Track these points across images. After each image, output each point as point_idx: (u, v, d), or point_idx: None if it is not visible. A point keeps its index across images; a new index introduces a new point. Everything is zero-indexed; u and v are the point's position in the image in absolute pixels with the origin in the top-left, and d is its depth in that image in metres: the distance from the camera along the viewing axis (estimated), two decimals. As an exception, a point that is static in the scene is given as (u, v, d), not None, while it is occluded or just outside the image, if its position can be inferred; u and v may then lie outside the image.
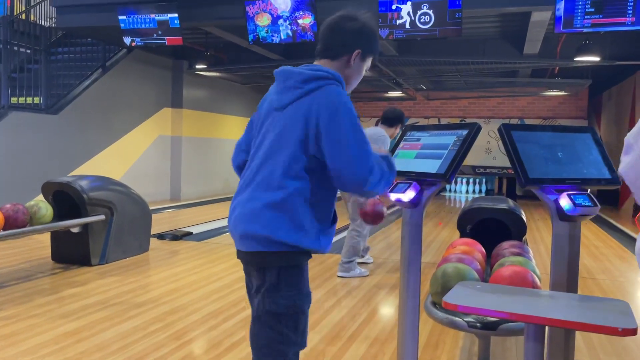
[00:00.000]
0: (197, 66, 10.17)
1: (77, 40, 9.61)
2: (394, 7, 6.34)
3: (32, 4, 9.84)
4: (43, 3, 9.85)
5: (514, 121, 13.81)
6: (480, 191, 14.92)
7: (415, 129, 2.62)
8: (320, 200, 1.76)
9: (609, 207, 11.42)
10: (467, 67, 9.79)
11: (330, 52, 1.85)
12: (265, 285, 1.75)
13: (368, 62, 1.92)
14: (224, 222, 8.09)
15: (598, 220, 9.46)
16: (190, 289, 4.48)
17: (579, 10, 5.67)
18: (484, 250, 3.10)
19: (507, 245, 3.08)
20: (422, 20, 6.29)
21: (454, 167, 2.17)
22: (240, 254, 1.83)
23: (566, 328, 1.92)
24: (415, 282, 2.33)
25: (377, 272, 5.22)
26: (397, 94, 13.44)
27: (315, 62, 1.87)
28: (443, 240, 7.12)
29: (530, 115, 13.98)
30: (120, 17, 7.66)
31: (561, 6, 5.73)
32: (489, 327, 2.23)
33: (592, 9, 5.63)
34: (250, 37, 7.17)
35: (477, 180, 14.89)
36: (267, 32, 7.05)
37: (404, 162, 2.45)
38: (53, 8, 8.93)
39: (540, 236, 7.77)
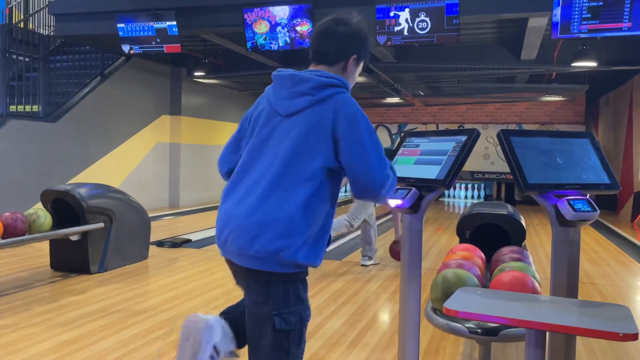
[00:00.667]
0: (196, 73, 10.19)
1: (75, 48, 9.63)
2: (391, 14, 6.37)
3: (31, 12, 9.87)
4: (41, 11, 9.88)
5: (512, 126, 13.84)
6: (479, 197, 14.93)
7: (414, 135, 2.63)
8: (328, 215, 1.74)
9: (607, 211, 11.43)
10: (464, 73, 9.82)
11: (328, 58, 1.83)
12: (270, 301, 1.67)
13: (360, 67, 1.92)
14: (223, 229, 8.06)
15: (597, 225, 9.47)
16: (189, 296, 4.47)
17: (576, 16, 5.70)
18: (483, 255, 3.10)
19: (506, 251, 3.08)
20: (419, 27, 6.32)
21: (454, 173, 2.18)
22: (238, 268, 1.75)
23: (567, 333, 1.92)
24: (416, 288, 2.33)
25: (377, 278, 5.21)
26: (395, 100, 13.47)
27: (312, 68, 1.85)
28: (442, 246, 7.11)
29: (528, 120, 14.01)
30: (119, 25, 7.68)
31: (558, 12, 5.76)
32: (489, 333, 2.23)
33: (589, 15, 5.66)
34: (249, 44, 7.19)
35: (476, 185, 14.91)
36: (265, 39, 7.08)
37: (403, 168, 2.45)
38: (51, 16, 8.95)
39: (539, 241, 7.77)
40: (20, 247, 6.04)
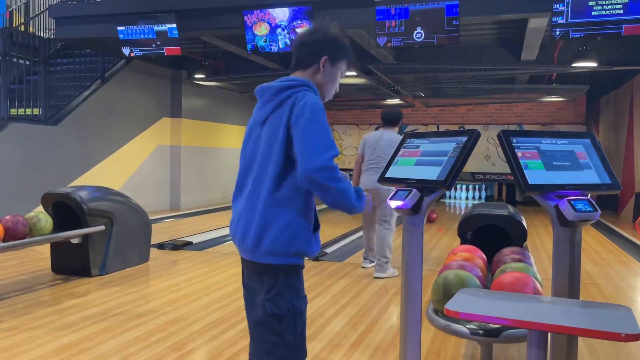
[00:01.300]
0: (196, 76, 10.19)
1: (76, 51, 9.64)
2: (391, 15, 6.37)
3: (31, 15, 9.89)
4: (42, 15, 9.90)
5: (513, 127, 13.83)
6: (480, 197, 14.92)
7: (415, 136, 2.63)
8: (307, 204, 1.85)
9: (609, 212, 11.42)
10: (465, 74, 9.82)
11: (302, 64, 1.98)
12: (265, 289, 1.84)
13: (342, 67, 2.02)
14: (224, 232, 8.08)
15: (598, 225, 9.45)
16: (190, 298, 4.46)
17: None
18: (484, 256, 3.09)
19: (508, 252, 3.08)
20: (419, 28, 6.32)
21: (454, 174, 2.17)
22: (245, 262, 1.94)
23: (569, 334, 1.91)
24: (417, 290, 2.32)
25: (377, 280, 5.20)
26: (395, 101, 13.47)
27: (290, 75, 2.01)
28: (444, 247, 7.11)
29: (528, 121, 14.01)
30: (119, 28, 7.69)
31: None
32: (491, 334, 2.22)
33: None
34: (249, 46, 7.20)
35: (477, 186, 14.90)
36: (265, 41, 7.08)
37: (403, 169, 2.45)
38: (52, 19, 8.97)
39: (540, 242, 7.76)
40: (21, 251, 6.04)
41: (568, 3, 5.76)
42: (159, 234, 7.52)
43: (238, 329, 3.68)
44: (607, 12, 5.66)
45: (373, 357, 3.24)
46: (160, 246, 6.67)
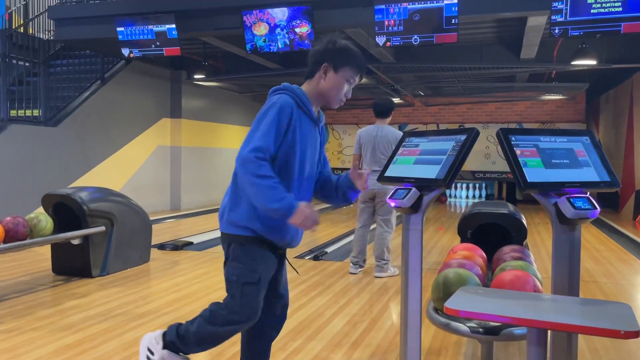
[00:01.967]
0: (196, 76, 10.19)
1: (75, 53, 9.65)
2: (390, 14, 6.37)
3: (31, 17, 9.89)
4: (41, 16, 9.90)
5: (513, 126, 13.82)
6: (480, 196, 14.92)
7: (414, 135, 2.63)
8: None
9: (609, 209, 11.42)
10: (464, 73, 9.82)
11: (309, 73, 2.16)
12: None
13: (347, 74, 2.11)
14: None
15: (598, 223, 9.45)
16: (191, 298, 4.47)
17: None
18: (484, 255, 3.10)
19: (508, 250, 3.08)
20: (419, 27, 6.32)
21: (453, 172, 2.18)
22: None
23: (569, 332, 1.92)
24: (417, 288, 2.33)
25: (378, 279, 5.20)
26: (395, 100, 13.46)
27: None
28: (444, 246, 7.11)
29: (528, 119, 14.00)
30: (118, 29, 7.70)
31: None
32: (491, 332, 2.23)
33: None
34: (248, 46, 7.20)
35: (477, 185, 14.90)
36: (264, 41, 7.08)
37: (403, 168, 2.45)
38: (51, 21, 8.97)
39: (541, 240, 7.76)
40: (21, 252, 6.05)
41: (567, 1, 5.76)
42: (159, 234, 7.52)
43: (239, 329, 3.68)
44: (606, 9, 5.66)
45: (373, 356, 3.24)
46: (161, 247, 6.67)
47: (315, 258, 6.07)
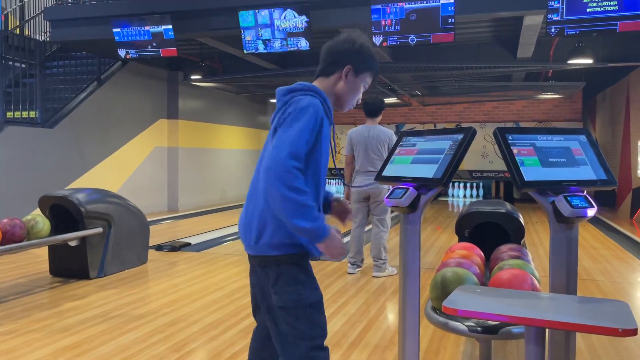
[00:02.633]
0: (193, 77, 10.19)
1: (71, 54, 9.62)
2: (387, 14, 6.38)
3: (26, 18, 9.86)
4: (37, 17, 9.87)
5: (509, 125, 13.85)
6: (477, 195, 14.94)
7: (411, 134, 2.63)
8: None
9: (607, 208, 11.44)
10: (461, 72, 9.83)
11: (324, 71, 1.96)
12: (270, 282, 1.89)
13: (365, 79, 1.98)
14: (223, 232, 8.08)
15: (596, 221, 9.47)
16: (189, 299, 4.46)
17: None
18: (482, 254, 3.10)
19: (505, 249, 3.09)
20: (415, 27, 6.32)
21: (450, 172, 2.18)
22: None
23: (566, 330, 1.92)
24: (415, 288, 2.33)
25: (377, 279, 5.21)
26: (392, 100, 13.47)
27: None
28: (442, 245, 7.12)
29: (525, 118, 14.03)
30: (115, 30, 7.68)
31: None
32: (489, 331, 2.23)
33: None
34: (245, 47, 7.20)
35: (475, 184, 14.92)
36: (262, 42, 7.08)
37: (400, 167, 2.45)
38: (47, 22, 8.95)
39: (538, 239, 7.78)
40: (18, 254, 6.04)
41: (563, 0, 5.77)
42: (157, 235, 7.51)
43: (237, 330, 3.68)
44: (602, 8, 5.67)
45: (372, 356, 3.24)
46: (159, 248, 6.66)
47: (313, 258, 6.06)
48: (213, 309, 4.17)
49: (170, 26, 7.42)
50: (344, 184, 5.27)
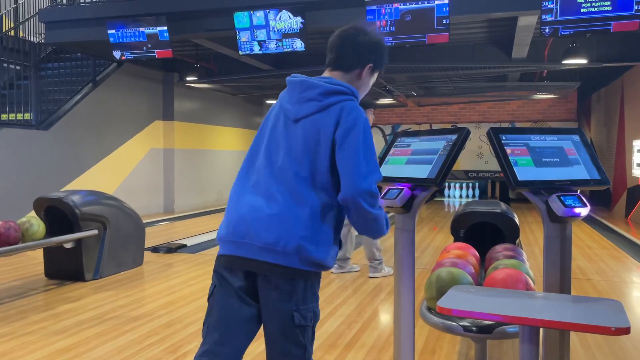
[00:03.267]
0: (188, 78, 10.18)
1: (66, 56, 9.60)
2: (382, 14, 6.39)
3: (21, 20, 9.84)
4: (32, 19, 9.85)
5: (505, 125, 13.89)
6: (473, 195, 14.97)
7: (406, 135, 2.64)
8: (338, 215, 1.79)
9: (602, 207, 11.48)
10: (456, 73, 9.85)
11: (344, 64, 1.86)
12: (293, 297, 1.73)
13: (375, 77, 1.95)
14: (219, 234, 8.06)
15: (591, 221, 9.51)
16: (185, 301, 4.46)
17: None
18: (477, 254, 3.11)
19: (500, 249, 3.09)
20: (410, 27, 6.33)
21: (444, 172, 2.18)
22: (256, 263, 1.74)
23: (560, 329, 1.93)
24: (410, 288, 2.33)
25: (372, 279, 5.21)
26: (388, 100, 13.49)
27: (327, 74, 1.89)
28: (437, 246, 7.13)
29: (520, 118, 14.07)
30: (110, 31, 7.67)
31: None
32: (484, 331, 2.23)
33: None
34: (241, 48, 7.20)
35: (470, 184, 14.95)
36: (257, 43, 7.08)
37: (394, 168, 2.46)
38: (42, 24, 8.93)
39: (534, 238, 7.80)
40: (13, 256, 6.01)
41: (557, 0, 5.79)
42: (153, 237, 7.50)
43: (233, 331, 3.67)
44: (596, 9, 5.69)
45: (368, 357, 3.24)
46: (155, 249, 6.65)
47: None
48: (209, 311, 4.16)
49: (165, 27, 7.41)
50: None
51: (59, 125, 8.68)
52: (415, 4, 6.24)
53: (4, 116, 8.17)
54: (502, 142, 2.23)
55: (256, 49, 7.14)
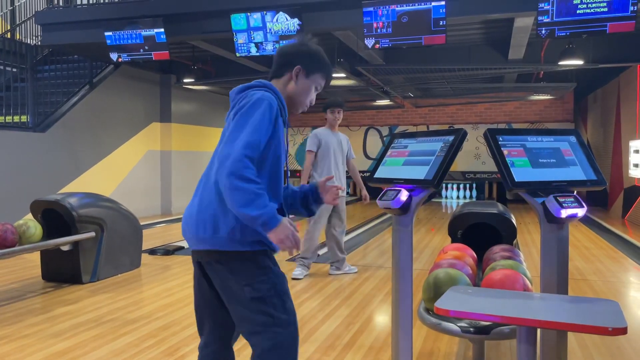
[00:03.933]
0: (185, 80, 10.17)
1: (63, 58, 9.59)
2: (378, 16, 6.40)
3: (17, 22, 9.82)
4: (28, 21, 9.84)
5: (502, 126, 13.92)
6: (471, 196, 14.99)
7: (403, 136, 2.65)
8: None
9: (599, 208, 11.51)
10: (453, 74, 9.87)
11: (277, 72, 2.02)
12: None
13: (317, 81, 2.02)
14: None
15: (588, 221, 9.53)
16: (183, 303, 4.45)
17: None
18: (475, 254, 3.11)
19: (497, 249, 3.10)
20: (407, 29, 6.34)
21: (442, 173, 2.19)
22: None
23: (557, 329, 1.93)
24: (408, 289, 2.34)
25: (370, 280, 5.21)
26: (385, 102, 13.51)
27: None
28: (436, 247, 7.13)
29: (517, 119, 14.10)
30: (107, 33, 7.66)
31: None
32: (482, 332, 2.24)
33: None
34: (237, 50, 7.20)
35: (467, 185, 14.97)
36: (254, 44, 7.08)
37: (392, 169, 2.46)
38: (38, 26, 8.92)
39: (531, 239, 7.81)
40: (10, 259, 6.00)
41: (553, 2, 5.81)
42: (150, 239, 7.49)
43: (231, 333, 3.67)
44: (592, 10, 5.71)
45: (366, 358, 3.24)
46: (152, 251, 6.64)
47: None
48: (207, 313, 4.16)
49: (162, 29, 7.41)
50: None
51: (55, 128, 8.66)
52: (412, 5, 6.25)
53: (1, 119, 8.15)
54: (499, 143, 2.24)
55: (253, 51, 7.14)
